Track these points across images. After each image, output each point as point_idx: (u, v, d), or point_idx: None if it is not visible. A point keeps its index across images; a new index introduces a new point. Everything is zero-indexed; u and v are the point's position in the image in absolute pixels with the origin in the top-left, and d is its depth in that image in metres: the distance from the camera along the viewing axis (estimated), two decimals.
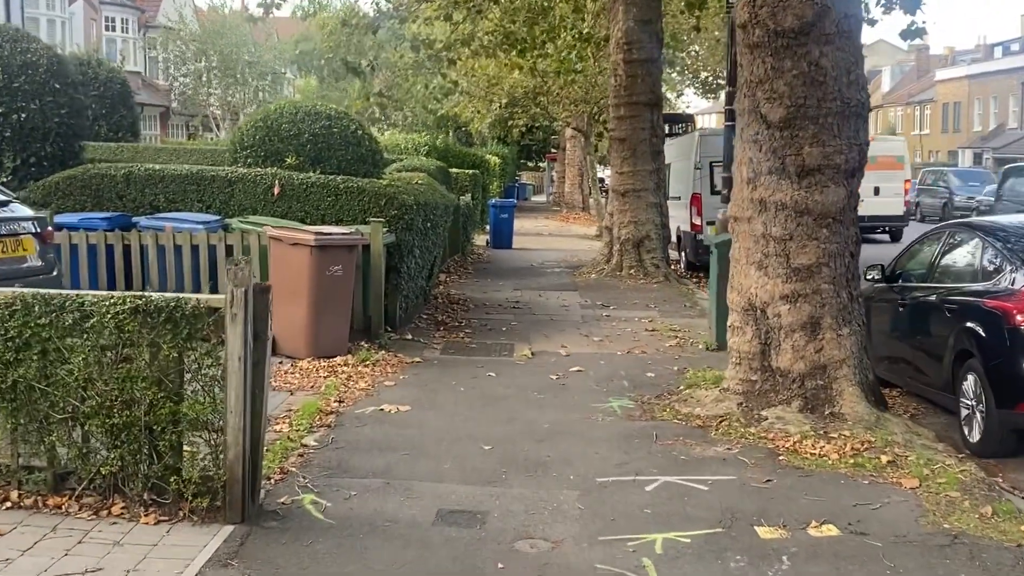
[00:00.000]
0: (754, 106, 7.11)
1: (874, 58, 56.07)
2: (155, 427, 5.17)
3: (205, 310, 5.19)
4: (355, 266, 9.88)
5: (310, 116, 11.79)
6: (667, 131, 20.79)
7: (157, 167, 11.31)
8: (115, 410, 5.14)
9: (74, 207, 11.03)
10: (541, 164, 58.67)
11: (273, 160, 11.54)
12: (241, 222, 10.59)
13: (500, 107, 28.36)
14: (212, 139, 35.39)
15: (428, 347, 10.55)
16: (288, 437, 6.69)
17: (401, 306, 11.19)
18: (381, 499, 5.57)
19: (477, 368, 9.36)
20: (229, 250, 10.38)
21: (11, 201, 8.63)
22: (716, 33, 27.54)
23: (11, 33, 12.41)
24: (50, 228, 9.07)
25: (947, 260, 8.34)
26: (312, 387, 8.30)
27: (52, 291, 5.32)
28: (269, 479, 5.83)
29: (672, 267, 18.07)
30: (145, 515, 5.16)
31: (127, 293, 5.22)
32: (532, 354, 10.27)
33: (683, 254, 19.67)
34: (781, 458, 6.32)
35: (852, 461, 6.19)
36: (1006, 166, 26.60)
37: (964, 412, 7.28)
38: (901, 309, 8.66)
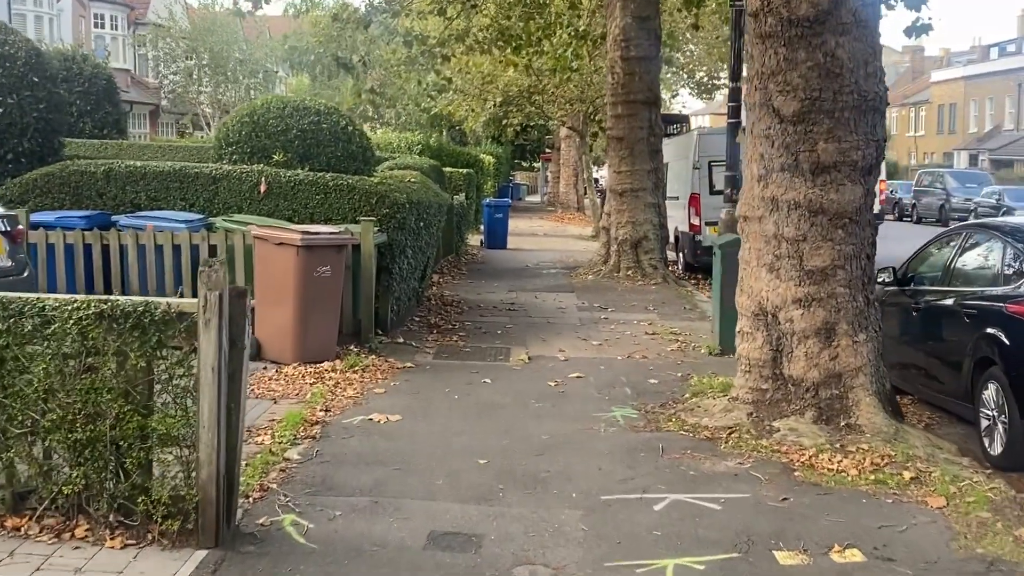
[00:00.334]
0: (766, 99, 6.71)
1: None
2: (122, 443, 4.75)
3: (176, 315, 4.77)
4: (344, 267, 9.47)
5: (298, 111, 11.37)
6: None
7: (138, 164, 10.89)
8: (78, 424, 4.73)
9: (52, 205, 10.61)
10: (536, 164, 58.31)
11: (260, 157, 11.13)
12: (225, 221, 10.17)
13: (495, 106, 27.93)
14: (202, 137, 34.91)
15: (421, 351, 10.14)
16: (270, 450, 6.27)
17: (393, 308, 10.79)
18: (368, 520, 5.15)
19: (472, 374, 8.95)
20: (213, 250, 9.97)
21: None
22: (714, 32, 27.21)
23: None
24: (21, 227, 8.65)
25: (964, 263, 7.95)
26: (297, 394, 7.88)
27: (10, 294, 4.90)
28: (247, 497, 5.41)
29: (670, 268, 17.69)
30: (111, 538, 4.74)
31: (91, 297, 4.80)
32: (529, 359, 9.87)
33: (681, 255, 19.30)
34: (797, 474, 5.92)
35: (873, 477, 5.79)
36: None
37: (984, 423, 6.88)
38: (915, 313, 8.28)
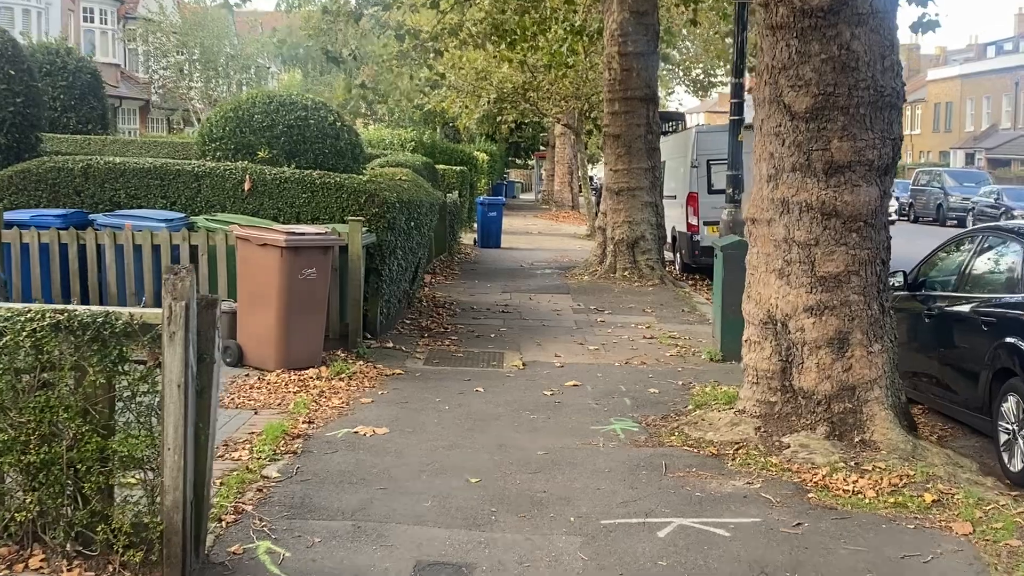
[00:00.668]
0: (776, 95, 6.32)
1: None
2: (80, 465, 4.35)
3: (139, 327, 4.37)
4: (331, 269, 9.07)
5: (284, 106, 10.95)
6: None
7: (118, 160, 10.45)
8: (32, 445, 4.32)
9: (28, 203, 10.18)
10: (530, 161, 57.93)
11: (244, 153, 10.72)
12: (207, 220, 9.77)
13: (489, 102, 27.51)
14: (193, 133, 34.41)
15: (411, 356, 9.75)
16: (247, 467, 5.87)
17: (382, 311, 10.39)
18: (349, 548, 4.75)
19: (464, 381, 8.56)
20: (194, 251, 9.58)
21: None
22: (711, 28, 26.83)
23: None
24: None
25: (980, 267, 7.57)
26: (280, 404, 7.48)
27: None
28: (220, 521, 5.01)
29: (667, 269, 17.31)
30: (68, 569, 4.34)
31: (46, 307, 4.39)
32: (523, 365, 9.48)
33: (678, 255, 18.93)
34: (810, 495, 5.53)
35: (892, 500, 5.41)
36: None
37: (1003, 437, 6.51)
38: (927, 320, 7.90)
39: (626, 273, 16.37)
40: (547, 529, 5.03)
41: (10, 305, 4.48)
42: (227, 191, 10.14)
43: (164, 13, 38.41)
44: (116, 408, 4.42)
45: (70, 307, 4.40)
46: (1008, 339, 6.49)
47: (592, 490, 5.61)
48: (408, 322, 11.67)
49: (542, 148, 50.20)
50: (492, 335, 11.21)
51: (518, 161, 58.53)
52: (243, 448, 6.26)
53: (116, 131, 32.04)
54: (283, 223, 9.87)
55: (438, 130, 36.40)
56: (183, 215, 9.98)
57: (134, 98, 38.11)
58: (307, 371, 8.42)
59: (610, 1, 16.32)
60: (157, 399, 4.37)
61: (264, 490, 5.52)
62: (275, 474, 5.80)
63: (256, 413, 7.22)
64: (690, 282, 17.43)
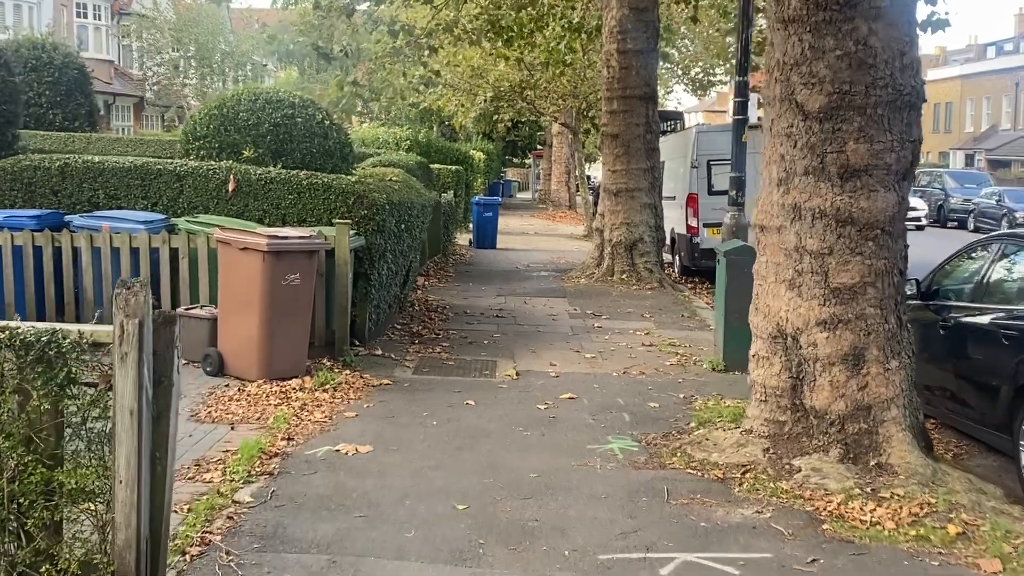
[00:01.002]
0: (788, 93, 5.91)
1: None
2: (23, 499, 3.92)
3: (90, 346, 3.95)
4: (316, 274, 8.67)
5: (271, 104, 10.53)
6: None
7: (96, 159, 10.02)
8: None
9: (2, 203, 9.78)
10: (527, 160, 57.54)
11: (229, 152, 10.30)
12: (189, 222, 9.35)
13: (485, 101, 27.10)
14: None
15: (400, 365, 9.34)
16: (218, 491, 5.46)
17: (371, 317, 9.98)
18: None
19: (454, 393, 8.14)
20: (174, 254, 9.17)
21: None
22: (712, 26, 26.43)
23: None
24: None
25: (1000, 277, 7.17)
26: (259, 418, 7.07)
27: None
28: (184, 554, 4.61)
29: (666, 272, 16.90)
30: None
31: None
32: (517, 374, 9.07)
33: (677, 258, 18.53)
34: (825, 526, 5.12)
35: (913, 532, 5.00)
36: None
37: None
38: (942, 331, 7.49)
39: (624, 276, 15.98)
40: (539, 565, 4.62)
41: None
42: (210, 192, 9.73)
43: (158, 9, 37.97)
44: (64, 436, 4.01)
45: (11, 324, 3.98)
46: None
47: (588, 519, 5.20)
48: (399, 328, 11.26)
49: (539, 147, 49.83)
50: (485, 341, 10.81)
51: (515, 160, 58.16)
52: (216, 469, 5.85)
53: (109, 128, 31.65)
54: (268, 225, 9.47)
55: (434, 129, 35.98)
56: (164, 216, 9.57)
57: (128, 95, 37.67)
58: (290, 381, 8.02)
59: None
60: (109, 425, 3.95)
61: (235, 517, 5.11)
62: (248, 499, 5.38)
63: (233, 428, 6.81)
64: (689, 285, 17.06)
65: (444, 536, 4.93)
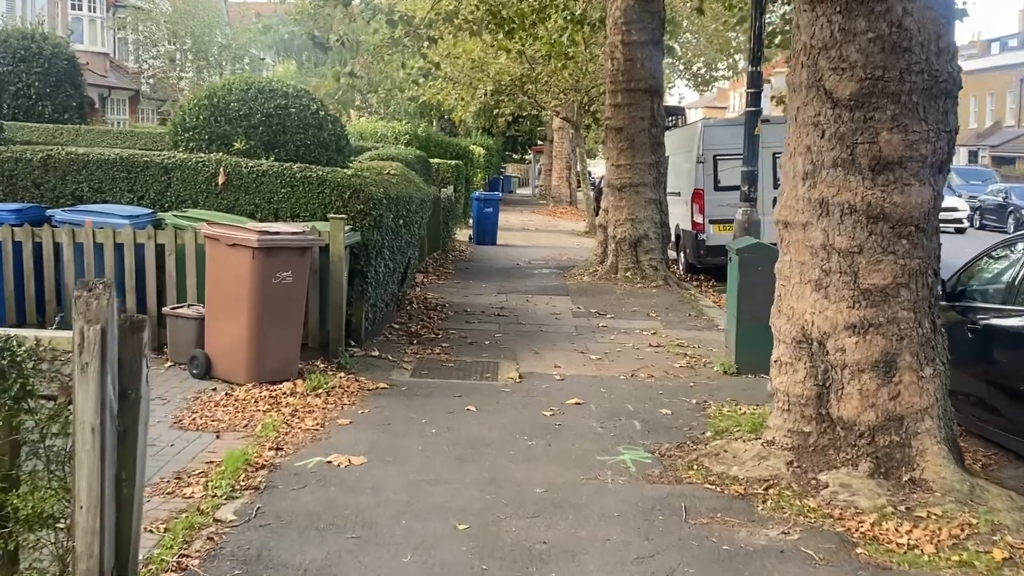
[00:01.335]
0: (816, 79, 5.48)
1: None
2: None
3: (48, 355, 3.53)
4: (309, 272, 8.25)
5: (263, 94, 10.09)
6: None
7: (80, 151, 9.59)
8: None
9: None
10: (527, 156, 57.12)
11: (219, 144, 9.87)
12: (176, 217, 8.92)
13: (485, 95, 26.66)
14: None
15: (398, 366, 8.92)
16: (199, 508, 5.04)
17: (367, 317, 9.56)
18: None
19: (454, 398, 7.72)
20: (160, 250, 8.74)
21: None
22: (717, 19, 25.99)
23: None
24: None
25: None
26: (246, 425, 6.65)
27: None
28: None
29: (670, 269, 16.48)
30: None
31: None
32: (520, 377, 8.66)
33: (682, 255, 18.13)
34: (859, 550, 4.69)
35: (956, 558, 4.58)
36: None
37: None
38: (970, 334, 7.07)
39: (628, 274, 15.56)
40: None
41: None
42: (199, 185, 9.31)
43: (154, 1, 37.48)
44: (20, 455, 3.59)
45: None
46: None
47: (601, 541, 4.78)
48: (396, 327, 10.84)
49: (539, 142, 49.40)
50: (486, 342, 10.39)
51: (515, 155, 57.74)
52: (197, 482, 5.43)
53: (104, 122, 31.19)
54: (260, 220, 9.05)
55: (434, 123, 35.54)
56: (150, 211, 9.14)
57: (123, 88, 37.21)
58: (281, 385, 7.60)
59: None
60: (71, 443, 3.54)
61: (216, 538, 4.69)
62: (231, 516, 4.96)
63: (218, 437, 6.39)
64: (694, 283, 16.64)
65: (443, 561, 4.51)
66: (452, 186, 22.05)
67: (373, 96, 30.64)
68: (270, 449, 6.05)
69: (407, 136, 25.56)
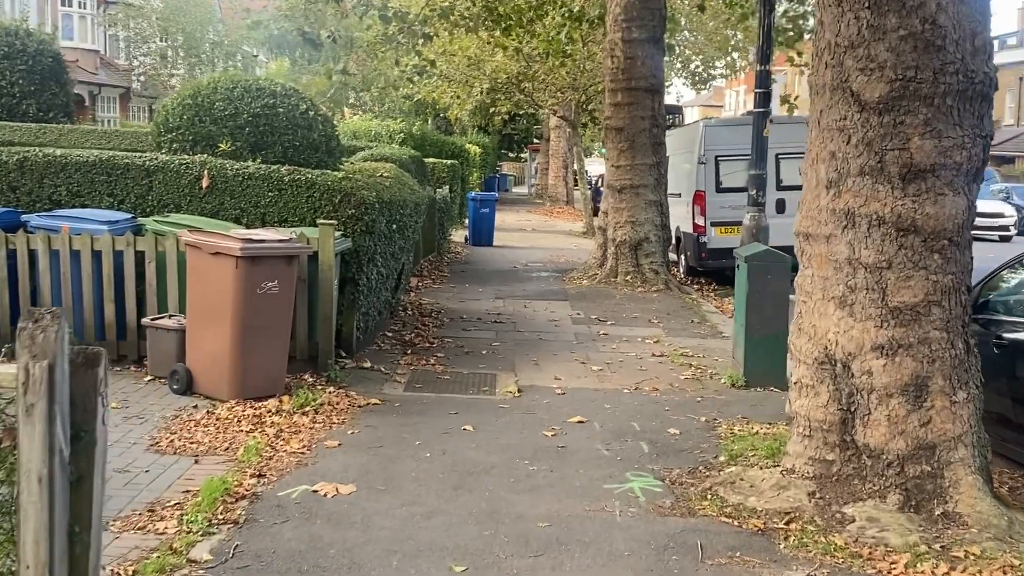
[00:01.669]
0: (841, 80, 5.07)
1: None
2: None
3: None
4: (297, 280, 7.83)
5: (250, 93, 9.66)
6: None
7: (59, 152, 9.16)
8: None
9: None
10: (523, 155, 56.75)
11: (204, 145, 9.44)
12: (157, 222, 8.50)
13: (481, 93, 26.23)
14: None
15: (391, 379, 8.51)
16: (171, 546, 4.62)
17: (359, 326, 9.15)
18: None
19: (450, 415, 7.31)
20: (140, 257, 8.31)
21: None
22: (718, 17, 25.62)
23: None
24: None
25: None
26: (228, 448, 6.23)
27: None
28: None
29: (671, 272, 16.08)
30: None
31: None
32: (519, 391, 8.26)
33: (683, 258, 17.74)
34: None
35: None
36: None
37: None
38: (996, 349, 6.67)
39: (628, 278, 15.17)
40: None
41: None
42: (182, 188, 8.88)
43: None
44: None
45: None
46: None
47: None
48: (390, 336, 10.43)
49: (536, 141, 49.02)
50: (483, 351, 9.99)
51: (511, 154, 57.37)
52: (172, 516, 5.01)
53: (95, 120, 30.71)
54: (247, 226, 8.65)
55: (429, 121, 35.12)
56: (130, 216, 8.72)
57: (114, 85, 36.72)
58: (266, 402, 7.18)
59: None
60: (16, 492, 3.12)
61: None
62: (206, 556, 4.54)
63: (197, 461, 5.97)
64: (695, 287, 16.26)
65: None
66: (448, 186, 21.65)
67: (366, 94, 30.16)
68: (252, 476, 5.63)
69: (402, 135, 25.15)
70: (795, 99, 15.47)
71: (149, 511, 5.09)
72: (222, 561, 4.51)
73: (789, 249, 9.41)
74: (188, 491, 5.39)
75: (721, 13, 24.75)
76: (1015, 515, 5.00)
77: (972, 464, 5.00)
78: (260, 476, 5.67)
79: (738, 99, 78.21)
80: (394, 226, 9.80)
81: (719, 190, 15.91)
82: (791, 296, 8.69)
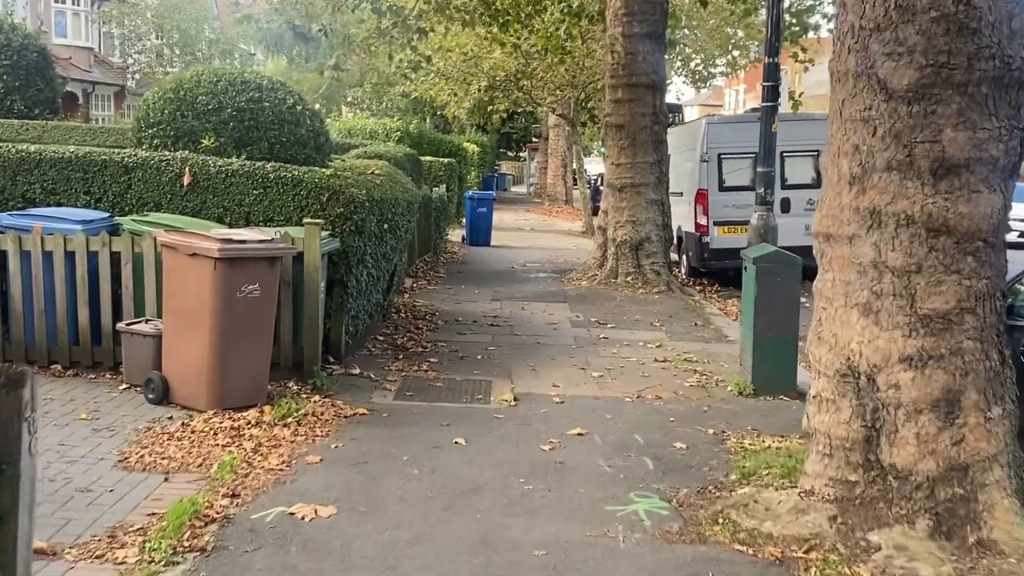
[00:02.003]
0: (866, 66, 4.64)
1: None
2: None
3: None
4: (280, 283, 7.41)
5: (234, 86, 9.21)
6: None
7: (33, 148, 8.72)
8: None
9: None
10: (521, 154, 56.40)
11: (186, 141, 9.00)
12: (135, 221, 8.07)
13: (479, 90, 25.82)
14: None
15: (380, 387, 8.09)
16: None
17: (348, 330, 8.73)
18: None
19: (441, 427, 6.88)
20: (115, 259, 7.88)
21: None
22: (718, 14, 25.24)
23: None
24: None
25: None
26: (201, 464, 5.79)
27: None
28: None
29: (673, 273, 15.64)
30: None
31: None
32: (515, 399, 7.83)
33: (684, 258, 17.31)
34: None
35: None
36: None
37: None
38: (1022, 357, 6.25)
39: (629, 279, 14.74)
40: None
41: None
42: (163, 186, 8.46)
43: None
44: None
45: None
46: None
47: None
48: (381, 339, 10.01)
49: (534, 139, 48.65)
50: (478, 356, 9.57)
51: (510, 153, 57.02)
52: (134, 543, 4.57)
53: (83, 118, 30.27)
54: (230, 225, 8.24)
55: (427, 120, 34.72)
56: (106, 215, 8.29)
57: (108, 83, 36.33)
58: (246, 413, 6.75)
59: None
60: None
61: None
62: None
63: (167, 479, 5.53)
64: (698, 287, 15.85)
65: None
66: (444, 185, 21.25)
67: (359, 90, 29.71)
68: (224, 496, 5.20)
69: (398, 133, 24.76)
70: (800, 95, 15.06)
71: (110, 537, 4.66)
72: None
73: (794, 249, 9.04)
74: (154, 513, 4.96)
75: (723, 10, 24.37)
76: None
77: (1008, 486, 4.57)
78: (234, 496, 5.23)
79: (737, 98, 77.77)
80: (385, 225, 9.37)
81: (722, 189, 15.51)
82: (803, 300, 8.33)
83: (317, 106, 31.29)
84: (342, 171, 8.81)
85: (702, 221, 15.77)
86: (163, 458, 5.86)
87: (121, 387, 7.47)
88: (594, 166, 40.70)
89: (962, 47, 4.46)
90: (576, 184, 34.62)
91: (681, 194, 16.52)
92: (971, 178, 4.54)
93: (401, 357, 9.33)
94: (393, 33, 14.11)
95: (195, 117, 9.07)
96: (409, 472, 5.78)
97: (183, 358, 6.99)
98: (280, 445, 6.17)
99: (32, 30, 19.92)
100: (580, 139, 31.68)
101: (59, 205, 8.47)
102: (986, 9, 4.47)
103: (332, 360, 8.48)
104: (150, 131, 9.20)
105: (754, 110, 15.20)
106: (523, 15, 16.72)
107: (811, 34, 16.79)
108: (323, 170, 8.69)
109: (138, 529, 4.75)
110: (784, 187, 14.88)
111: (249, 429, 6.43)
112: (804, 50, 14.90)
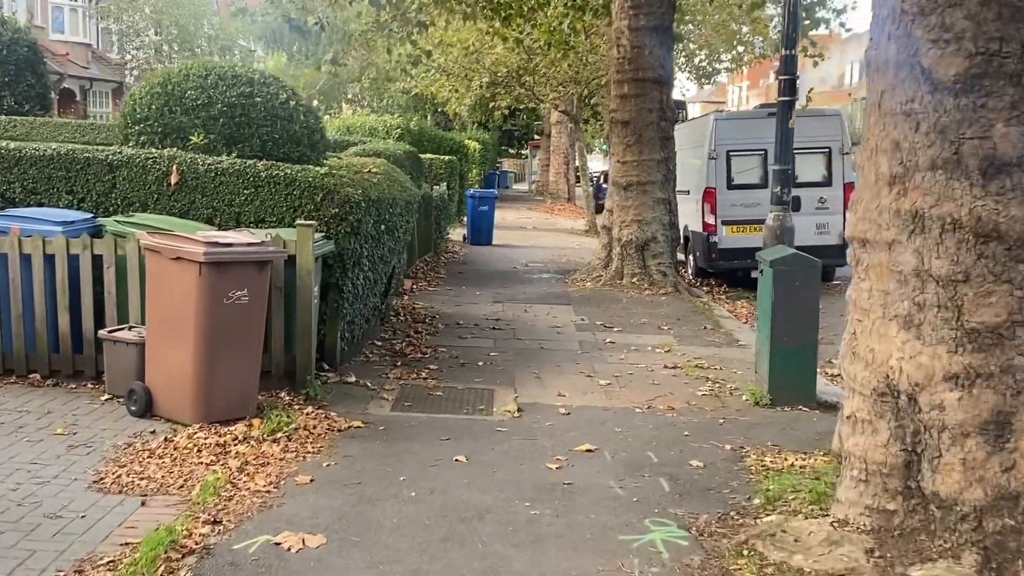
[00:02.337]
0: (908, 54, 4.22)
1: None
2: None
3: None
4: (270, 288, 7.00)
5: (225, 81, 8.79)
6: None
7: (12, 145, 8.31)
8: None
9: None
10: (523, 151, 56.03)
11: (175, 138, 8.58)
12: (119, 222, 7.66)
13: (481, 87, 25.40)
14: None
15: (377, 396, 7.70)
16: None
17: (343, 336, 8.33)
18: None
19: (440, 441, 6.47)
20: (97, 262, 7.47)
21: None
22: (724, 10, 24.81)
23: None
24: None
25: None
26: (183, 485, 5.38)
27: None
28: None
29: (680, 273, 15.22)
30: None
31: None
32: (519, 410, 7.44)
33: (691, 258, 16.90)
34: None
35: None
36: None
37: None
38: None
39: (635, 280, 14.33)
40: None
41: None
42: (149, 185, 8.05)
43: None
44: None
45: None
46: None
47: None
48: (379, 345, 9.62)
49: (537, 137, 48.26)
50: (480, 362, 9.17)
51: (511, 150, 56.66)
52: None
53: (77, 114, 29.86)
54: (220, 226, 7.84)
55: (428, 117, 34.30)
56: (89, 216, 7.88)
57: (106, 80, 35.90)
58: (234, 426, 6.34)
59: None
60: None
61: None
62: None
63: (144, 503, 5.12)
64: (705, 288, 15.46)
65: None
66: (445, 183, 20.84)
67: (357, 85, 29.24)
68: (205, 523, 4.78)
69: (399, 130, 24.36)
70: (810, 92, 14.63)
71: (76, 572, 4.25)
72: None
73: (804, 249, 8.63)
74: (128, 543, 4.55)
75: (728, 4, 23.94)
76: None
77: None
78: (215, 523, 4.81)
79: (740, 95, 77.32)
80: (383, 226, 8.96)
81: (730, 187, 15.13)
82: (820, 305, 7.91)
83: (315, 102, 30.93)
84: (337, 170, 8.40)
85: (710, 220, 15.37)
86: (142, 478, 5.44)
87: (103, 398, 7.06)
88: (595, 164, 40.31)
89: (1015, 33, 4.04)
90: (579, 182, 34.24)
91: (688, 192, 16.11)
92: None
93: (399, 364, 8.93)
94: (392, 27, 13.68)
95: (184, 113, 8.65)
96: (406, 495, 5.36)
97: (167, 368, 6.58)
98: (268, 463, 5.75)
99: (23, 24, 19.46)
100: (583, 136, 31.27)
101: (40, 205, 8.08)
102: None
103: (327, 368, 8.10)
104: (136, 127, 8.78)
105: (763, 105, 14.77)
106: (526, 9, 16.28)
107: (821, 28, 16.35)
108: (317, 169, 8.28)
109: (109, 562, 4.34)
110: (795, 185, 14.45)
111: (236, 445, 6.01)
112: (814, 44, 14.44)
